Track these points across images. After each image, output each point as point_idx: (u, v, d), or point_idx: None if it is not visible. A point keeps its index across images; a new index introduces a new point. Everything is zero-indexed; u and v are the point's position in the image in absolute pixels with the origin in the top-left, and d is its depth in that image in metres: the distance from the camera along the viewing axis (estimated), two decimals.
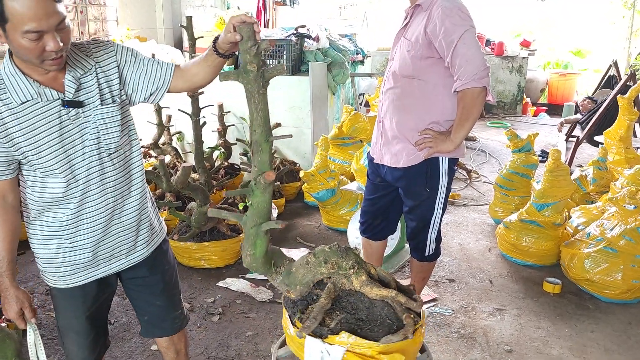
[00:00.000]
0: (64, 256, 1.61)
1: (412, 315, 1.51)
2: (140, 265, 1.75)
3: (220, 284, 3.18)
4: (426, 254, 2.54)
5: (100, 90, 1.55)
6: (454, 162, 2.40)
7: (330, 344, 1.45)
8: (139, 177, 1.69)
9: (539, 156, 4.51)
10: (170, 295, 1.85)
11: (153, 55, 2.23)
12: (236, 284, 3.16)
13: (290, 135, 1.54)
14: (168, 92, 1.69)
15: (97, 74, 1.56)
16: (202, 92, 3.62)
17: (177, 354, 1.98)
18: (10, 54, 1.46)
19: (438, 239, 2.57)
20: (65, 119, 1.51)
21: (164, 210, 3.79)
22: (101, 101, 1.55)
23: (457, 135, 2.22)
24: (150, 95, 1.67)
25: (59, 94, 1.49)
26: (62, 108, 1.49)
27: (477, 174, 5.41)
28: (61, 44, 1.39)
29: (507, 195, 4.01)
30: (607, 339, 2.70)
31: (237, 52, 1.54)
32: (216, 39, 1.54)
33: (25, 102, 1.46)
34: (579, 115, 6.70)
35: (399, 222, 2.97)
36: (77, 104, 1.51)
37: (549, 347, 2.62)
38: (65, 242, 1.60)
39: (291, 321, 1.57)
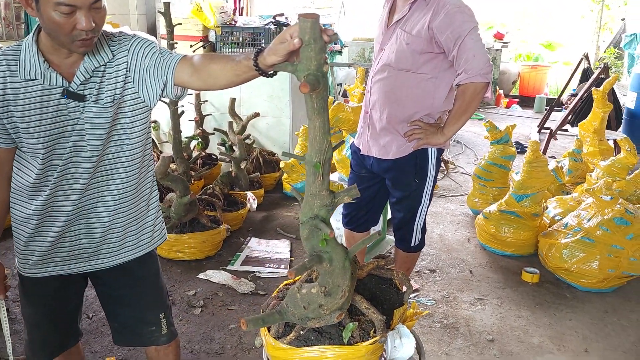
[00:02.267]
0: (27, 245, 1.58)
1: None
2: (107, 274, 1.69)
3: (201, 276, 3.13)
4: (412, 244, 2.55)
5: (100, 87, 1.47)
6: (440, 153, 2.41)
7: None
8: (121, 187, 1.59)
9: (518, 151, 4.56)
10: (141, 310, 1.76)
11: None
12: (217, 276, 3.12)
13: None
14: (179, 85, 1.51)
15: (106, 69, 1.48)
16: None
17: None
18: (39, 29, 1.41)
19: (423, 229, 2.58)
20: (63, 108, 1.45)
21: None
22: (97, 99, 1.47)
23: (450, 129, 2.23)
24: (164, 88, 1.51)
25: (63, 81, 1.43)
26: (61, 97, 1.43)
27: (454, 164, 5.46)
28: (93, 25, 1.33)
29: (485, 187, 4.05)
30: (585, 327, 2.76)
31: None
32: (258, 52, 1.30)
33: (29, 80, 1.40)
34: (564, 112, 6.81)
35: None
36: (77, 97, 1.44)
37: (530, 336, 2.67)
38: (30, 231, 1.56)
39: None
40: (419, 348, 1.68)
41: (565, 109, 6.66)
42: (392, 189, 2.49)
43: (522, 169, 3.42)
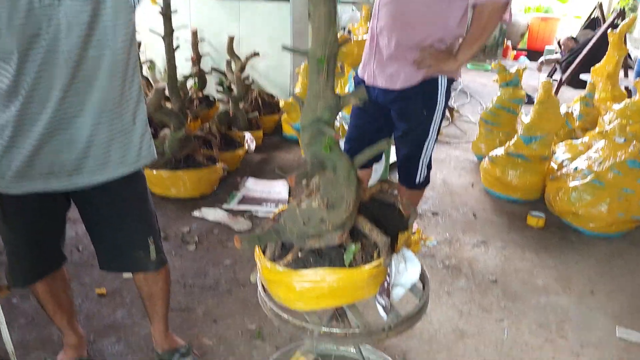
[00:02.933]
0: (2, 158, 1.45)
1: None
2: (91, 192, 1.58)
3: (196, 213, 3.03)
4: (416, 181, 2.43)
5: None
6: (451, 83, 2.25)
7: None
8: (103, 97, 1.46)
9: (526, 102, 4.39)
10: (127, 232, 1.67)
11: None
12: (213, 214, 3.02)
13: None
14: None
15: None
16: (175, 11, 3.33)
17: (150, 297, 1.83)
18: None
19: (429, 165, 2.45)
20: (35, 5, 1.29)
21: None
22: None
23: (464, 54, 2.07)
24: None
25: None
26: None
27: (459, 113, 5.30)
28: None
29: (491, 131, 3.91)
30: (591, 269, 2.68)
31: None
32: None
33: None
34: (559, 55, 6.59)
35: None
36: None
37: (534, 278, 2.59)
38: (5, 142, 1.42)
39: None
40: (422, 276, 1.58)
41: (563, 53, 6.43)
42: (397, 122, 2.35)
43: (533, 110, 3.27)
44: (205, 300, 2.29)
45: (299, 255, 1.43)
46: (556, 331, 2.21)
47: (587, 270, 2.67)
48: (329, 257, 1.42)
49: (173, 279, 2.39)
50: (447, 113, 5.12)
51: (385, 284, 1.46)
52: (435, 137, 2.35)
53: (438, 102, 2.25)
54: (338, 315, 1.71)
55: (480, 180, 3.62)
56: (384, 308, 1.47)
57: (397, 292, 1.49)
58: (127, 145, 1.57)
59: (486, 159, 3.52)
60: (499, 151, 3.42)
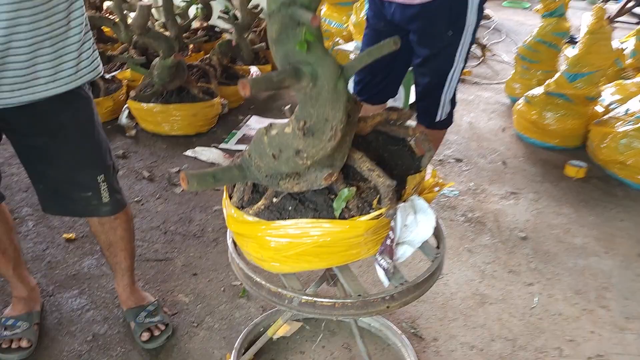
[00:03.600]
0: None
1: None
2: (20, 119, 1.26)
3: (188, 152, 2.71)
4: (437, 119, 2.04)
5: None
6: (484, 1, 1.83)
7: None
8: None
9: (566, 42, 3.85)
10: (70, 168, 1.36)
11: None
12: (207, 154, 2.69)
13: None
14: None
15: None
16: None
17: (109, 246, 1.54)
18: None
19: (453, 102, 2.06)
20: None
21: (126, 69, 3.23)
22: None
23: None
24: None
25: None
26: None
27: (491, 51, 4.78)
28: None
29: (528, 69, 3.44)
30: (639, 229, 2.29)
31: None
32: None
33: None
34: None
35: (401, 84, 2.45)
36: None
37: (571, 236, 2.22)
38: None
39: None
40: (437, 231, 1.24)
41: None
42: (417, 46, 1.94)
43: (581, 41, 2.79)
44: (187, 250, 2.00)
45: (273, 201, 1.09)
46: (596, 300, 1.86)
47: (634, 229, 2.28)
48: (313, 204, 1.08)
49: (153, 225, 2.10)
50: (478, 49, 4.62)
51: (388, 241, 1.11)
52: (461, 67, 1.94)
53: (467, 22, 1.82)
54: (330, 277, 1.39)
55: (513, 124, 3.20)
56: (386, 271, 1.13)
57: (403, 252, 1.15)
58: (60, 58, 1.23)
59: (521, 99, 3.08)
60: (538, 90, 2.97)
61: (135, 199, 2.29)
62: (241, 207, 1.12)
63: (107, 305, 1.72)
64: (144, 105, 2.79)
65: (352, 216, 1.05)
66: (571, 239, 2.20)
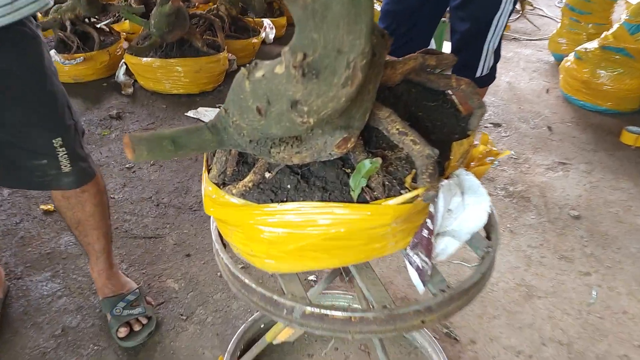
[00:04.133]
0: None
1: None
2: None
3: (190, 113, 2.41)
4: (478, 74, 1.70)
5: None
6: None
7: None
8: None
9: None
10: (15, 129, 1.08)
11: None
12: (210, 115, 2.39)
13: None
14: None
15: None
16: None
17: (78, 224, 1.27)
18: None
19: (497, 53, 1.71)
20: None
21: (124, 19, 2.91)
22: None
23: None
24: None
25: None
26: None
27: (532, 5, 4.33)
28: None
29: (578, 22, 3.02)
30: None
31: None
32: None
33: None
34: None
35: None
36: None
37: (632, 215, 1.88)
38: None
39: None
40: (489, 217, 0.92)
41: None
42: None
43: None
44: (181, 226, 1.72)
45: (266, 176, 0.78)
46: None
47: None
48: (321, 181, 0.78)
49: (145, 196, 1.83)
50: (517, 3, 4.17)
51: (425, 232, 0.81)
52: (509, 9, 1.60)
53: None
54: (344, 272, 1.09)
55: (559, 84, 2.82)
56: (420, 273, 0.83)
57: (445, 247, 0.84)
58: None
59: (571, 56, 2.68)
60: (591, 45, 2.57)
61: (126, 166, 2.01)
62: (222, 184, 0.82)
63: (82, 291, 1.46)
64: (143, 59, 2.48)
65: (376, 198, 0.74)
66: (633, 219, 1.86)
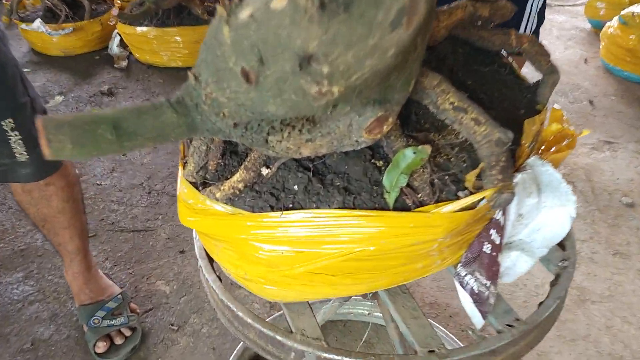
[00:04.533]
0: None
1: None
2: None
3: None
4: (521, 31, 1.44)
5: None
6: None
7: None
8: None
9: None
10: None
11: None
12: None
13: None
14: None
15: None
16: None
17: (44, 222, 1.07)
18: None
19: (541, 15, 1.48)
20: None
21: None
22: None
23: None
24: None
25: None
26: None
27: None
28: None
29: None
30: None
31: None
32: None
33: None
34: None
35: None
36: None
37: None
38: None
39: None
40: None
41: None
42: None
43: None
44: (175, 217, 1.50)
45: (263, 173, 0.55)
46: None
47: None
48: (341, 179, 0.55)
49: (136, 182, 1.61)
50: None
51: (486, 247, 0.59)
52: None
53: None
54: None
55: (599, 53, 2.53)
56: (478, 300, 0.62)
57: (515, 264, 0.63)
58: None
59: (614, 21, 2.39)
60: (639, 8, 2.28)
61: None
62: (202, 184, 0.59)
63: (58, 295, 1.26)
64: (137, 29, 2.24)
65: (421, 203, 0.51)
66: None
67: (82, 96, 2.09)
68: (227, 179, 0.56)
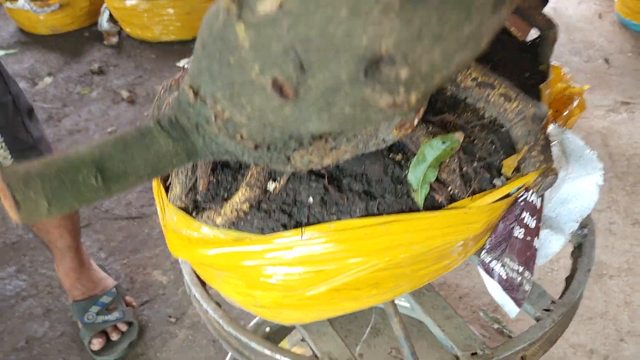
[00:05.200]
0: None
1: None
2: None
3: (182, 63, 2.09)
4: None
5: None
6: None
7: None
8: None
9: None
10: None
11: None
12: None
13: None
14: None
15: None
16: None
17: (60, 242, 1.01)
18: None
19: None
20: None
21: None
22: None
23: None
24: None
25: None
26: None
27: None
28: None
29: None
30: None
31: None
32: None
33: None
34: None
35: None
36: None
37: None
38: None
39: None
40: None
41: None
42: None
43: None
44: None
45: (270, 189, 0.47)
46: None
47: None
48: (360, 184, 0.47)
49: None
50: None
51: (518, 232, 0.54)
52: None
53: None
54: None
55: (614, 7, 2.39)
56: (510, 287, 0.57)
57: (546, 243, 0.59)
58: None
59: None
60: None
61: (109, 130, 1.72)
62: (195, 209, 0.51)
63: (52, 289, 1.22)
64: (126, 2, 2.14)
65: (453, 199, 0.45)
66: None
67: (71, 76, 2.02)
68: (223, 198, 0.49)
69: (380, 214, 0.44)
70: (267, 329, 1.08)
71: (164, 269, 1.26)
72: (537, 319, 0.55)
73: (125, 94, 1.88)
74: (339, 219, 0.45)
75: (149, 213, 1.42)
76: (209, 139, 0.37)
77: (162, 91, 0.57)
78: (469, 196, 0.44)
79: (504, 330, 1.12)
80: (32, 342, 1.11)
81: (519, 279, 0.55)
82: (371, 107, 0.29)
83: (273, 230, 0.46)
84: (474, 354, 0.52)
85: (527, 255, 0.54)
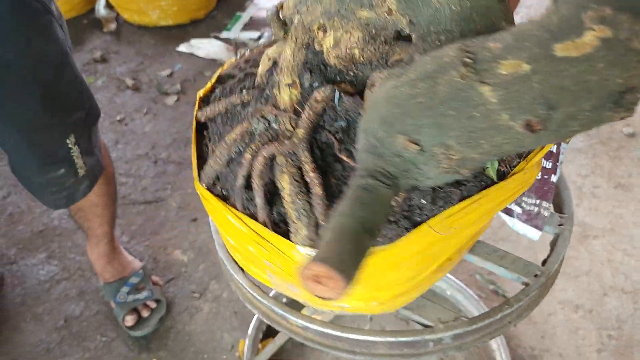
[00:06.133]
0: None
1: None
2: None
3: (182, 48, 2.15)
4: None
5: None
6: None
7: None
8: None
9: None
10: (31, 130, 0.90)
11: None
12: (205, 47, 2.13)
13: None
14: None
15: None
16: None
17: (78, 210, 1.11)
18: None
19: None
20: None
21: None
22: None
23: None
24: None
25: None
26: None
27: None
28: None
29: None
30: None
31: None
32: None
33: None
34: None
35: None
36: None
37: None
38: None
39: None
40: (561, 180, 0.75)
41: None
42: None
43: None
44: (183, 185, 1.54)
45: (397, 204, 0.54)
46: None
47: None
48: None
49: (140, 152, 1.64)
50: None
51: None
52: None
53: None
54: None
55: None
56: (529, 217, 0.71)
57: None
58: None
59: None
60: None
61: (117, 118, 1.80)
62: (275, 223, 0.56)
63: (83, 272, 1.32)
64: None
65: (509, 166, 0.55)
66: None
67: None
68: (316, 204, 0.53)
69: (469, 196, 0.53)
70: (284, 300, 1.19)
71: (184, 248, 1.36)
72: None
73: (129, 81, 1.94)
74: (444, 208, 0.52)
75: (163, 197, 1.51)
76: (409, 174, 0.45)
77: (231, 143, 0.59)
78: (523, 160, 0.55)
79: (498, 291, 1.24)
80: (71, 321, 1.22)
81: (536, 209, 0.67)
82: (603, 122, 0.37)
83: (399, 236, 0.52)
84: (536, 275, 0.66)
85: (544, 189, 0.66)
